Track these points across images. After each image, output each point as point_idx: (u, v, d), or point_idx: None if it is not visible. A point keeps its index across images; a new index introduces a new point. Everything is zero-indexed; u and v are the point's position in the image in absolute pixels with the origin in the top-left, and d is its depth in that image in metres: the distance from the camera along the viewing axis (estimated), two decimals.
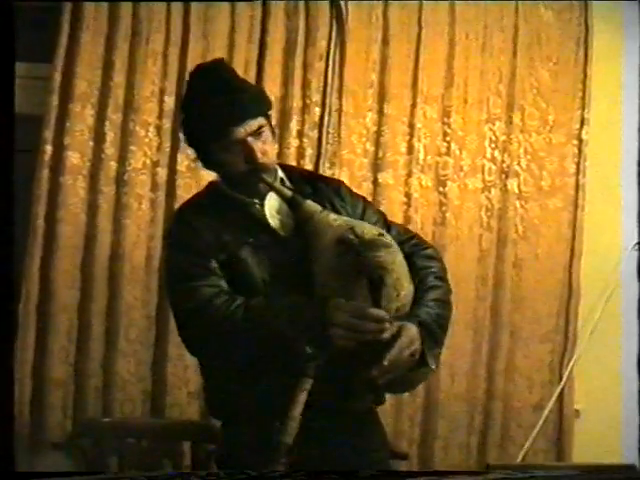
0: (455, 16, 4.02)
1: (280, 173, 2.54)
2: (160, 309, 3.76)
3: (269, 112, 2.54)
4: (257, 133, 2.43)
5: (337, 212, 2.48)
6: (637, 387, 3.66)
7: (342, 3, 3.94)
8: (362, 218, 2.52)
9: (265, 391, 2.34)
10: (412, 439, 3.81)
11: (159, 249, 3.77)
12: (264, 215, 2.48)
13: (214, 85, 2.46)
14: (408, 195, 3.88)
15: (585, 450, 3.96)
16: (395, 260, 2.32)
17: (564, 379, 3.95)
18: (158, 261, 3.76)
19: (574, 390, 3.99)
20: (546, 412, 3.93)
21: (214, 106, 2.41)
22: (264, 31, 3.92)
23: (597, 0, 4.09)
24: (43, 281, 3.70)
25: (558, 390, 3.95)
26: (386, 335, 2.25)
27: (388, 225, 2.58)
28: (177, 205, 3.72)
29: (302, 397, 2.22)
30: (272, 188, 2.45)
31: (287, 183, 2.53)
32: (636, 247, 3.88)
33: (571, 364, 3.95)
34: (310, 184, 2.58)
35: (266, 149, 2.45)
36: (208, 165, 2.57)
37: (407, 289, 2.36)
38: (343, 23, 3.95)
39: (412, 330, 2.31)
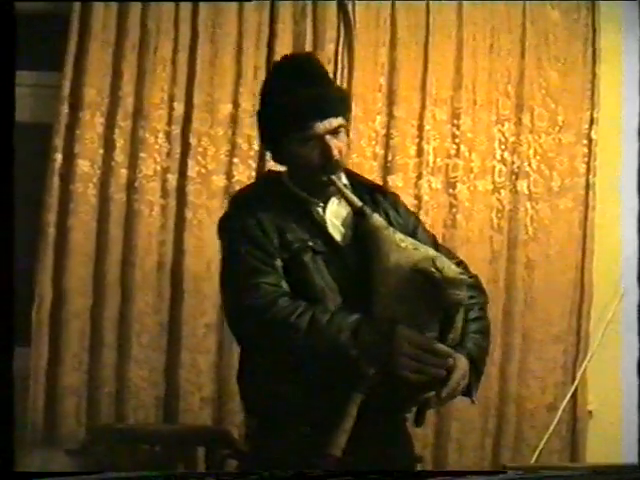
0: (462, 18, 4.02)
1: (344, 179, 2.50)
2: (172, 315, 3.78)
3: (348, 115, 2.50)
4: (335, 132, 2.40)
5: (391, 224, 2.45)
6: None
7: (349, 7, 3.94)
8: (414, 234, 2.49)
9: (311, 399, 2.32)
10: (426, 442, 3.80)
11: (170, 255, 3.79)
12: (324, 219, 2.45)
13: (302, 77, 2.42)
14: (418, 197, 3.88)
15: (598, 450, 3.95)
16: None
17: (577, 380, 3.94)
18: (169, 267, 3.79)
19: (587, 391, 3.98)
20: (559, 413, 3.91)
21: (299, 98, 2.37)
22: (272, 36, 3.93)
23: (602, 0, 4.08)
24: (55, 288, 3.72)
25: (571, 391, 3.93)
26: (445, 370, 2.25)
27: (437, 247, 2.55)
28: (188, 211, 3.77)
29: (354, 411, 2.21)
30: (342, 194, 2.41)
31: (350, 189, 2.47)
32: None
33: (584, 365, 3.94)
34: (369, 193, 2.54)
35: (341, 148, 2.41)
36: (277, 158, 2.51)
37: (461, 320, 2.35)
38: (351, 26, 3.95)
39: (464, 363, 2.32)
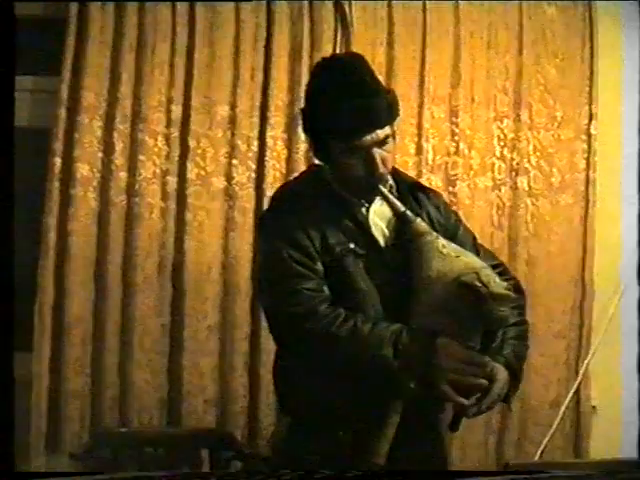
0: (459, 15, 4.00)
1: (390, 180, 2.47)
2: (173, 317, 3.78)
3: (396, 119, 2.44)
4: (382, 142, 2.36)
5: (433, 223, 2.44)
6: None
7: (346, 6, 3.93)
8: (455, 234, 2.49)
9: (350, 405, 2.32)
10: None
11: (171, 257, 3.79)
12: (367, 220, 2.42)
13: (350, 83, 2.34)
14: None
15: (603, 446, 3.95)
16: None
17: (580, 376, 3.93)
18: (170, 269, 3.78)
19: (590, 386, 3.97)
20: (563, 409, 3.91)
21: (346, 107, 2.31)
22: (269, 37, 3.91)
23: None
24: (57, 293, 3.72)
25: (574, 387, 3.93)
26: (484, 380, 2.27)
27: (477, 248, 2.55)
28: (188, 213, 3.77)
29: (395, 419, 2.24)
30: (387, 200, 2.39)
31: (394, 190, 2.47)
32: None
33: (587, 360, 3.93)
34: (412, 192, 2.52)
35: (386, 158, 2.37)
36: (321, 158, 2.47)
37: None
38: (348, 26, 3.94)
39: (504, 374, 2.34)
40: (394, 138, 2.44)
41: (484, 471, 3.62)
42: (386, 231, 2.43)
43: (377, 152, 2.34)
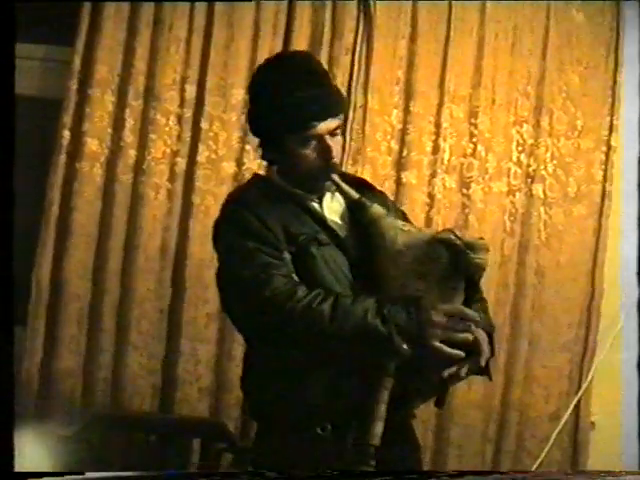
0: (485, 15, 3.94)
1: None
2: (173, 302, 3.71)
3: (343, 113, 2.49)
4: (333, 132, 2.40)
5: None
6: None
7: None
8: None
9: (333, 394, 2.30)
10: (426, 445, 3.72)
11: (174, 240, 3.72)
12: (323, 213, 2.44)
13: (303, 76, 2.39)
14: (431, 196, 3.82)
15: (600, 461, 3.90)
16: None
17: (582, 390, 3.89)
18: (173, 253, 3.71)
19: (591, 401, 3.93)
20: (562, 423, 3.87)
21: (300, 98, 2.35)
22: (290, 23, 3.85)
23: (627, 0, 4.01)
24: (55, 269, 3.64)
25: (575, 401, 3.88)
26: (472, 336, 2.25)
27: None
28: (195, 197, 3.70)
29: (385, 396, 2.21)
30: (340, 188, 2.43)
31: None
32: None
33: (590, 375, 3.89)
34: (358, 189, 2.51)
35: (338, 149, 2.41)
36: (269, 156, 2.49)
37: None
38: (371, 17, 3.88)
39: (485, 336, 2.31)
40: (343, 132, 2.52)
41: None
42: (340, 222, 2.45)
43: (330, 140, 2.39)
